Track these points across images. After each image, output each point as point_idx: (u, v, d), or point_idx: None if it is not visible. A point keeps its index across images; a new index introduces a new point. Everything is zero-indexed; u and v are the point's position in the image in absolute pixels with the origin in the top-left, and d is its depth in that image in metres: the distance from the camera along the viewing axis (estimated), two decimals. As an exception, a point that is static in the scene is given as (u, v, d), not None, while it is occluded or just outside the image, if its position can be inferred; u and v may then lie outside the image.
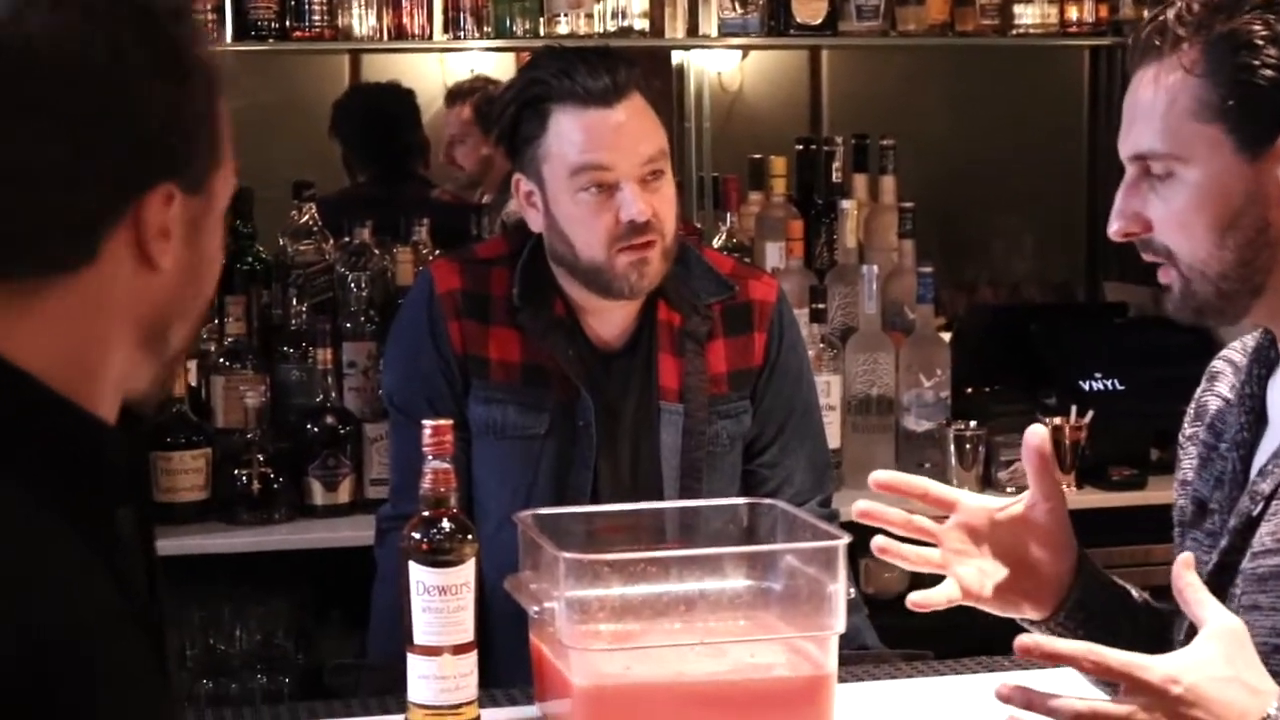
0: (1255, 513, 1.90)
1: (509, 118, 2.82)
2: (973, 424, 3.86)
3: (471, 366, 2.86)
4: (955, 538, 2.02)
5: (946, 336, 4.18)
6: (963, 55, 5.16)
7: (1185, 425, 2.10)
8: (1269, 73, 1.81)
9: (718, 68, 5.48)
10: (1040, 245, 5.57)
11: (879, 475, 2.05)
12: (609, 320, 2.88)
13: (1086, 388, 4.02)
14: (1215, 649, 1.67)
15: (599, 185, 2.74)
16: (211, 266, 1.46)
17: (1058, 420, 3.86)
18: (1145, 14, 4.14)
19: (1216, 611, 1.70)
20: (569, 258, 2.81)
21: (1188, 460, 2.07)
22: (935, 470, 3.87)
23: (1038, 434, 1.98)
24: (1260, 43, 1.81)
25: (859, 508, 2.05)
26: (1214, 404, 2.05)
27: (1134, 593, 2.08)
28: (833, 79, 5.72)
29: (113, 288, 1.36)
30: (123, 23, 1.35)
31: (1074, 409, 3.87)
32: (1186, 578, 1.71)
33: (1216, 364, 2.09)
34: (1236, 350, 2.06)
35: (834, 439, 3.82)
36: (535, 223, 2.84)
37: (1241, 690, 1.66)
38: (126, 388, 1.44)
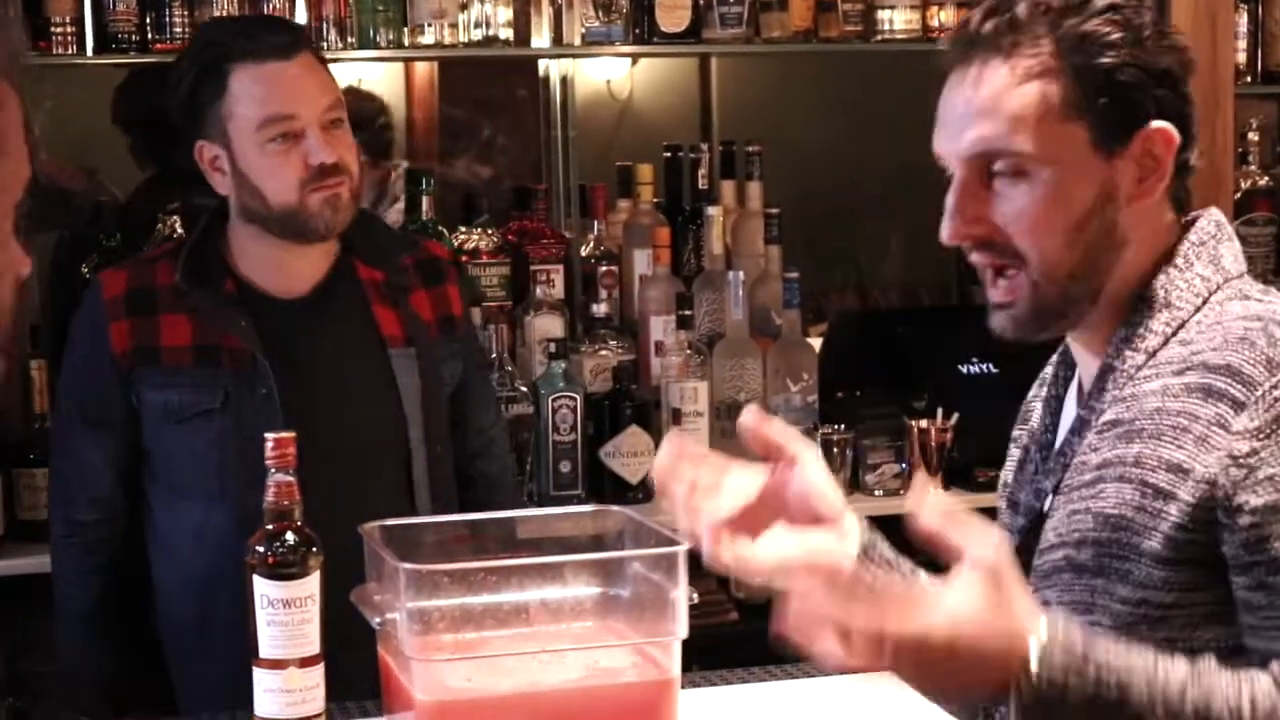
0: (1042, 508, 1.92)
1: (187, 85, 2.94)
2: (840, 428, 3.89)
3: (140, 359, 2.95)
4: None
5: (817, 342, 4.20)
6: (850, 60, 5.16)
7: (1014, 430, 2.12)
8: (1130, 71, 1.84)
9: (606, 75, 5.47)
10: (916, 249, 5.61)
11: (750, 420, 1.93)
12: (294, 276, 2.99)
13: (964, 371, 4.06)
14: (970, 594, 1.63)
15: (285, 134, 2.88)
16: None
17: (924, 423, 3.90)
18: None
19: (971, 544, 1.65)
20: (261, 211, 2.92)
21: (1010, 462, 2.09)
22: (803, 474, 3.89)
23: (747, 417, 1.92)
24: (1117, 43, 1.84)
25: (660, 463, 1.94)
26: (1037, 407, 2.08)
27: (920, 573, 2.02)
28: (721, 86, 5.74)
29: None
30: None
31: (940, 411, 3.90)
32: (930, 521, 1.66)
33: (1046, 370, 2.12)
34: (1059, 354, 2.09)
35: (702, 445, 3.82)
36: (222, 186, 2.96)
37: (999, 637, 1.63)
38: None
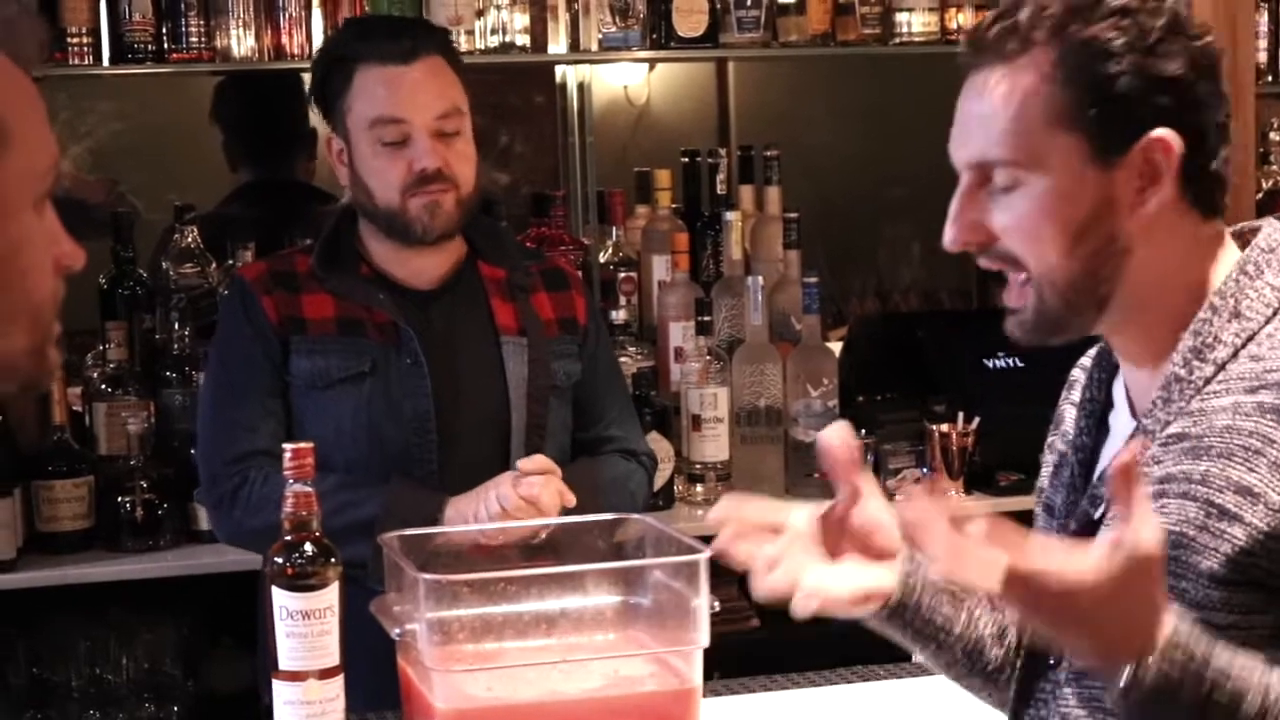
0: (1096, 516, 1.90)
1: (318, 77, 3.06)
2: (861, 433, 3.86)
3: (289, 328, 3.01)
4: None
5: (837, 347, 4.19)
6: (869, 63, 5.14)
7: (1049, 434, 2.10)
8: (1128, 80, 1.81)
9: (624, 80, 5.46)
10: (936, 253, 5.58)
11: (835, 438, 1.96)
12: (419, 271, 3.05)
13: (985, 374, 4.03)
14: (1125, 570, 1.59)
15: (394, 136, 2.95)
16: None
17: (945, 427, 3.88)
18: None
19: (1133, 527, 1.59)
20: (369, 207, 3.00)
21: (1045, 469, 2.07)
22: (824, 481, 3.86)
23: (832, 434, 1.93)
24: (1119, 50, 1.80)
25: (715, 514, 2.00)
26: (1069, 412, 2.05)
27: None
28: (739, 90, 5.72)
29: None
30: None
31: (961, 415, 3.88)
32: (1124, 477, 1.59)
33: (1074, 372, 2.10)
34: (1090, 357, 2.06)
35: (722, 451, 3.82)
36: (343, 177, 3.06)
37: (1132, 617, 1.60)
38: None
